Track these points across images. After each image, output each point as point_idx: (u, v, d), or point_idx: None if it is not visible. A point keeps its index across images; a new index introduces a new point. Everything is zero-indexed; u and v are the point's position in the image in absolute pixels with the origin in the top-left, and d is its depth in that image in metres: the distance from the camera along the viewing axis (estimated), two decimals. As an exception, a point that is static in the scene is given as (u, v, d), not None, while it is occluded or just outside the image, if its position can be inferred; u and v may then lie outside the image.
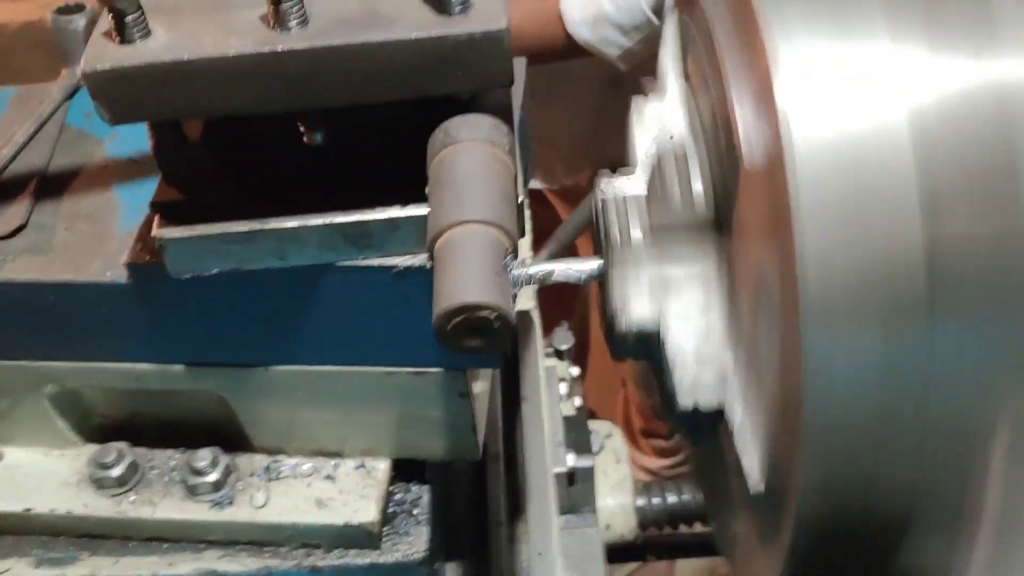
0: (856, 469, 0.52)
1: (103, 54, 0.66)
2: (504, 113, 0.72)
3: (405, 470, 0.95)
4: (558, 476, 1.17)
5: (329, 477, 0.93)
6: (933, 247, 0.50)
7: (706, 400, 0.63)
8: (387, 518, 0.93)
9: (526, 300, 1.22)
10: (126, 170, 0.91)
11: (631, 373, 2.15)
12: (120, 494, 0.92)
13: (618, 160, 0.74)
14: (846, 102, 0.52)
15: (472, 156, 0.67)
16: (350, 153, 0.76)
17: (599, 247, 0.68)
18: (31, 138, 0.92)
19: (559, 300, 1.89)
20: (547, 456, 1.12)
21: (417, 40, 0.66)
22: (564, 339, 1.39)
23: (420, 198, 0.73)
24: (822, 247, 0.50)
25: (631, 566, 1.91)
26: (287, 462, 0.94)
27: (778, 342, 0.54)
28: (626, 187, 0.67)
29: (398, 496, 0.95)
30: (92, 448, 0.94)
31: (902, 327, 0.51)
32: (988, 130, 0.51)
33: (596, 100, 1.73)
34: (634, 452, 2.09)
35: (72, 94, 0.98)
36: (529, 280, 0.64)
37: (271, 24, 0.67)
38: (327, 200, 0.75)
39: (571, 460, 1.19)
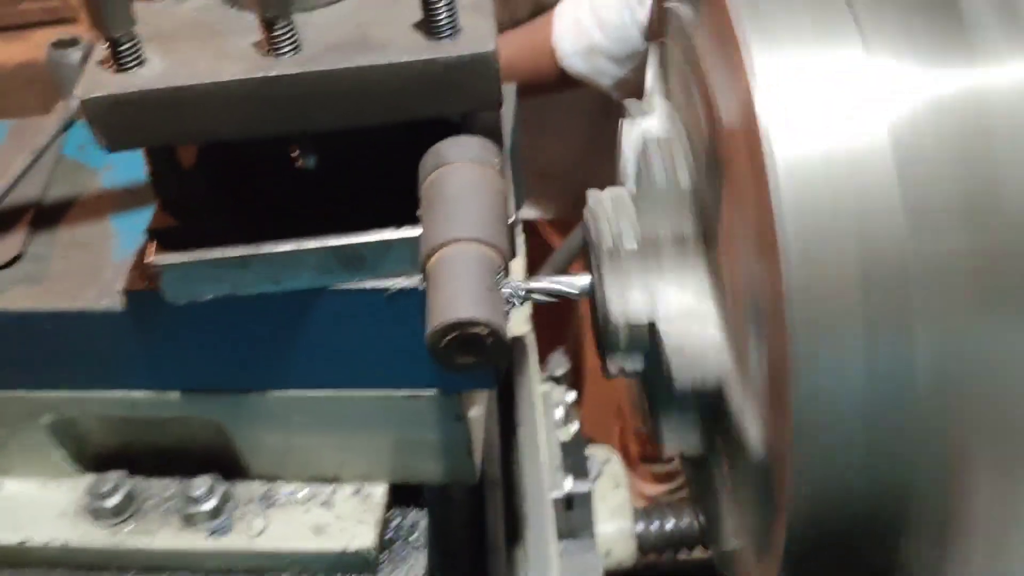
0: (844, 475, 0.53)
1: (99, 82, 0.67)
2: (494, 134, 0.73)
3: (402, 495, 0.95)
4: (556, 501, 1.17)
5: (326, 503, 0.93)
6: (917, 258, 0.51)
7: (703, 378, 0.63)
8: (385, 544, 0.93)
9: (521, 325, 1.23)
10: (121, 200, 0.92)
11: (626, 397, 2.15)
12: (117, 524, 0.92)
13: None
14: (827, 115, 0.52)
15: (463, 176, 0.68)
16: (343, 177, 0.77)
17: (590, 258, 0.68)
18: (27, 170, 0.92)
19: (551, 329, 1.90)
20: (544, 481, 1.12)
21: (407, 63, 0.67)
22: (560, 364, 1.40)
23: (412, 220, 0.74)
24: (806, 258, 0.51)
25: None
26: (284, 489, 0.94)
27: (766, 351, 0.55)
28: (614, 198, 0.68)
29: (396, 522, 0.95)
30: (88, 478, 0.94)
31: (886, 336, 0.51)
32: (967, 140, 0.51)
33: (587, 129, 1.75)
34: (632, 478, 2.08)
35: (68, 126, 0.98)
36: (521, 296, 0.65)
37: (264, 50, 0.68)
38: (320, 224, 0.76)
39: (569, 485, 1.19)
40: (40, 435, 0.91)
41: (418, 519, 0.96)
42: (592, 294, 0.68)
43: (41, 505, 0.93)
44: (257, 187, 0.78)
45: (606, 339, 0.67)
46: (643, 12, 1.50)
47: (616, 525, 1.44)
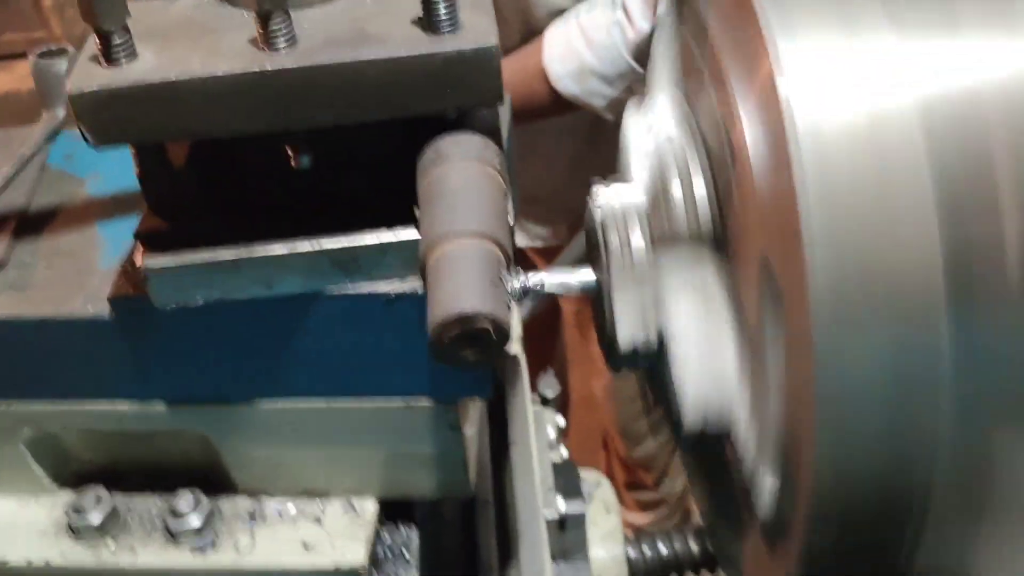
0: (867, 463, 0.51)
1: (89, 76, 0.66)
2: (493, 133, 0.71)
3: (394, 512, 0.93)
4: (549, 522, 1.14)
5: (316, 519, 0.90)
6: (948, 245, 0.50)
7: (713, 418, 0.62)
8: (375, 561, 0.90)
9: (512, 344, 1.21)
10: (107, 208, 0.90)
11: (614, 423, 2.13)
12: (99, 542, 0.89)
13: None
14: (851, 97, 0.51)
15: (463, 172, 0.67)
16: (337, 177, 0.75)
17: (595, 259, 0.67)
18: (12, 179, 0.91)
19: (536, 356, 1.89)
20: (538, 500, 1.10)
21: (406, 57, 0.66)
22: (550, 386, 1.38)
23: (408, 222, 0.73)
24: (831, 244, 0.49)
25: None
26: (272, 504, 0.91)
27: (783, 341, 0.53)
28: (622, 196, 0.66)
29: (387, 538, 0.93)
30: (69, 495, 0.92)
31: (913, 325, 0.50)
32: (1004, 123, 0.50)
33: (574, 152, 1.75)
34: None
35: (53, 136, 0.97)
36: (524, 292, 0.63)
37: (259, 45, 0.67)
38: (314, 226, 0.74)
39: (562, 505, 1.17)
40: (19, 450, 0.89)
41: (409, 536, 0.94)
42: (596, 291, 0.66)
43: (20, 523, 0.90)
44: (249, 188, 0.76)
45: (612, 353, 0.65)
46: (632, 32, 1.50)
47: (608, 551, 1.42)
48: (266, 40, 0.66)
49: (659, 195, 0.64)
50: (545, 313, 2.02)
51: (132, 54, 0.67)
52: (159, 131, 0.68)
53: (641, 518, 2.20)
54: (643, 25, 1.50)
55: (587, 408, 2.16)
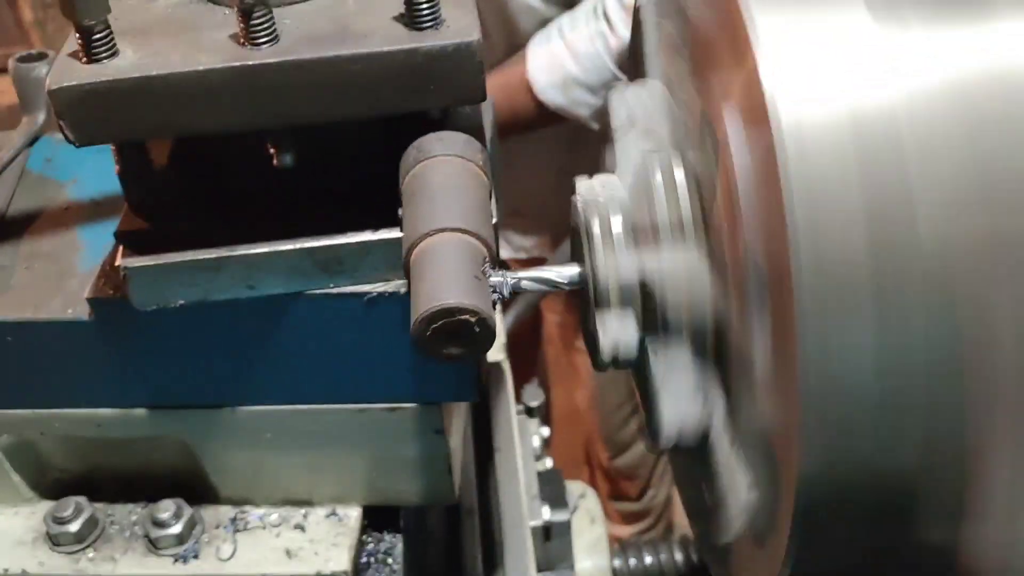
0: (855, 454, 0.51)
1: (69, 72, 0.65)
2: (476, 131, 0.71)
3: (378, 519, 0.92)
4: (534, 530, 1.14)
5: (299, 526, 0.89)
6: (931, 235, 0.49)
7: (690, 430, 0.62)
8: (359, 568, 0.89)
9: (496, 352, 1.21)
10: (88, 212, 0.89)
11: (597, 431, 2.12)
12: (78, 551, 0.88)
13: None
14: (834, 90, 0.51)
15: (446, 169, 0.67)
16: (320, 177, 0.75)
17: (579, 255, 0.66)
18: (-10, 183, 0.90)
19: (518, 368, 1.88)
20: (523, 508, 1.09)
21: (388, 53, 0.66)
22: (534, 396, 1.37)
23: (391, 223, 0.72)
24: (814, 230, 0.49)
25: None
26: (254, 512, 0.90)
27: (770, 329, 0.53)
28: (604, 186, 0.66)
29: (371, 545, 0.92)
30: (48, 504, 0.90)
31: (898, 310, 0.50)
32: (992, 112, 0.50)
33: (556, 162, 1.75)
34: (602, 519, 2.04)
35: (33, 141, 0.96)
36: (508, 287, 0.63)
37: (241, 41, 0.66)
38: (297, 225, 0.74)
39: (547, 514, 1.16)
40: (-4, 458, 0.87)
41: (394, 543, 0.92)
42: (581, 285, 0.66)
43: (-3, 533, 0.89)
44: (231, 187, 0.76)
45: (597, 298, 0.64)
46: (615, 41, 1.51)
47: (593, 561, 1.41)
48: (248, 36, 0.66)
49: (640, 186, 0.64)
50: (527, 327, 2.02)
51: (113, 51, 0.66)
52: (140, 128, 0.68)
53: (624, 530, 2.19)
54: (625, 33, 1.51)
55: (570, 423, 2.15)
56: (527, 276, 0.65)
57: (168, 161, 0.74)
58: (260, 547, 0.88)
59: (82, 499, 0.89)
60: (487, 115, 0.80)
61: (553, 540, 1.17)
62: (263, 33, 0.66)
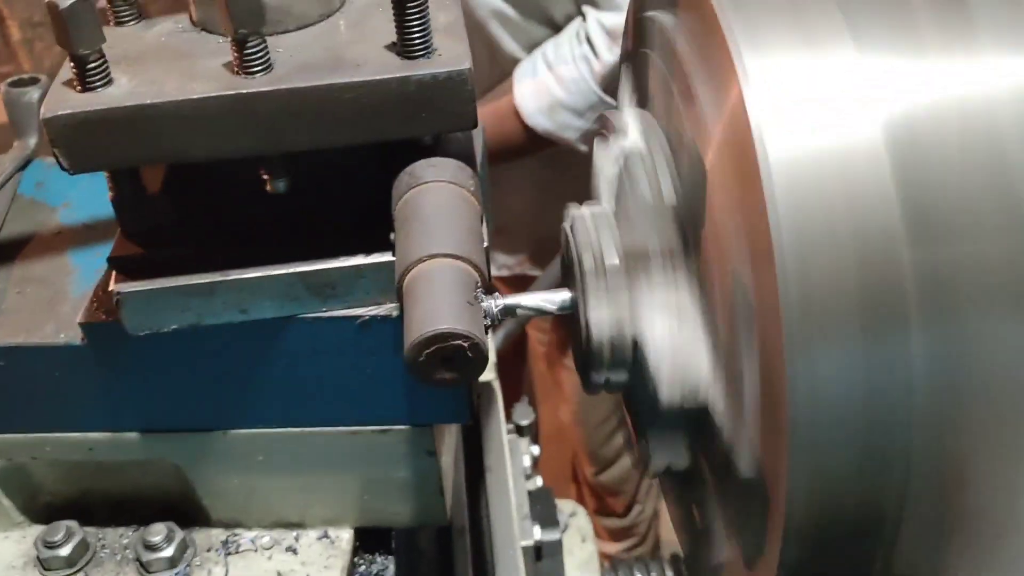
0: (842, 480, 0.52)
1: (64, 100, 0.66)
2: (467, 157, 0.72)
3: (369, 540, 0.92)
4: (525, 550, 1.14)
5: (290, 549, 0.89)
6: (917, 264, 0.50)
7: (690, 394, 0.61)
8: (352, 591, 0.89)
9: (487, 372, 1.21)
10: (80, 236, 0.90)
11: (583, 447, 2.13)
12: (70, 575, 0.87)
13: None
14: (819, 118, 0.52)
15: (438, 195, 0.68)
16: (313, 202, 0.75)
17: (570, 280, 0.67)
18: (-19, 208, 0.90)
19: (505, 387, 1.89)
20: (515, 527, 1.09)
21: (381, 81, 0.66)
22: (524, 414, 1.38)
23: (384, 247, 0.73)
24: (802, 263, 0.50)
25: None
26: (246, 535, 0.90)
27: (758, 360, 0.54)
28: (594, 212, 0.67)
29: (363, 567, 0.92)
30: (39, 529, 0.90)
31: (884, 340, 0.50)
32: (973, 139, 0.51)
33: (540, 181, 1.76)
34: (590, 537, 2.05)
35: (24, 165, 0.96)
36: (500, 312, 0.63)
37: (235, 70, 0.67)
38: (289, 250, 0.74)
39: (538, 533, 1.16)
40: (-13, 483, 0.87)
41: (385, 565, 0.93)
42: (573, 311, 0.67)
43: (-13, 558, 0.89)
44: (224, 212, 0.76)
45: (589, 356, 0.65)
46: (599, 64, 1.52)
47: (584, 580, 1.41)
48: (242, 65, 0.66)
49: (628, 204, 0.65)
50: (513, 348, 2.02)
51: (107, 79, 0.67)
52: (134, 155, 0.68)
53: (612, 547, 2.20)
54: (608, 57, 1.52)
55: (557, 441, 2.16)
56: (519, 302, 0.65)
57: (162, 187, 0.75)
58: (252, 570, 0.88)
59: (73, 523, 0.89)
60: (478, 141, 0.81)
61: (544, 560, 1.18)
62: (257, 61, 0.67)
